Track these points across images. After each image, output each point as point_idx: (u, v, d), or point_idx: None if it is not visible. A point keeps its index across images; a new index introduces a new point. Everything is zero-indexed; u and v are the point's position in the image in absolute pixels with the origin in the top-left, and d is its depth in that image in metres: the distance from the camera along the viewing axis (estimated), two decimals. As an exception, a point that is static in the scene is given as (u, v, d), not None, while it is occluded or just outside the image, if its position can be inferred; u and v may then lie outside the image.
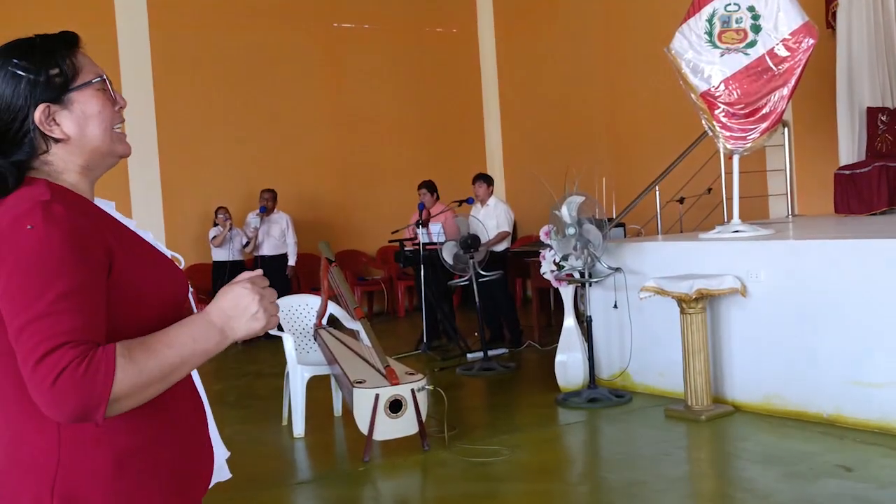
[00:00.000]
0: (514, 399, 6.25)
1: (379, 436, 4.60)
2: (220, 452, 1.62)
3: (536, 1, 11.26)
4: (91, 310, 1.30)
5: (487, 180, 8.35)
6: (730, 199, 6.26)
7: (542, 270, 6.10)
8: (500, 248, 8.11)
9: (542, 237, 6.00)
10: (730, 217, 6.22)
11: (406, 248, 8.12)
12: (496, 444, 4.90)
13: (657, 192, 7.09)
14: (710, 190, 7.69)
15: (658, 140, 9.04)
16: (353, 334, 5.61)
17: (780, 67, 5.51)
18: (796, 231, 6.20)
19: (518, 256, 8.58)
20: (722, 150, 5.98)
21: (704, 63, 5.70)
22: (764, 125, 5.58)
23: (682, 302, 5.19)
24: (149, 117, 9.65)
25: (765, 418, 5.12)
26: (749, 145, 5.68)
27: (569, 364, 6.05)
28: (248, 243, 9.35)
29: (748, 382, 5.32)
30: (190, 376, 1.53)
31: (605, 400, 5.70)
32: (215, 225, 9.35)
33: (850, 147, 7.33)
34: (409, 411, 4.61)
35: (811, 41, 5.45)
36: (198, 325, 1.36)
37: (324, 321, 5.72)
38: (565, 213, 5.68)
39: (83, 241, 1.33)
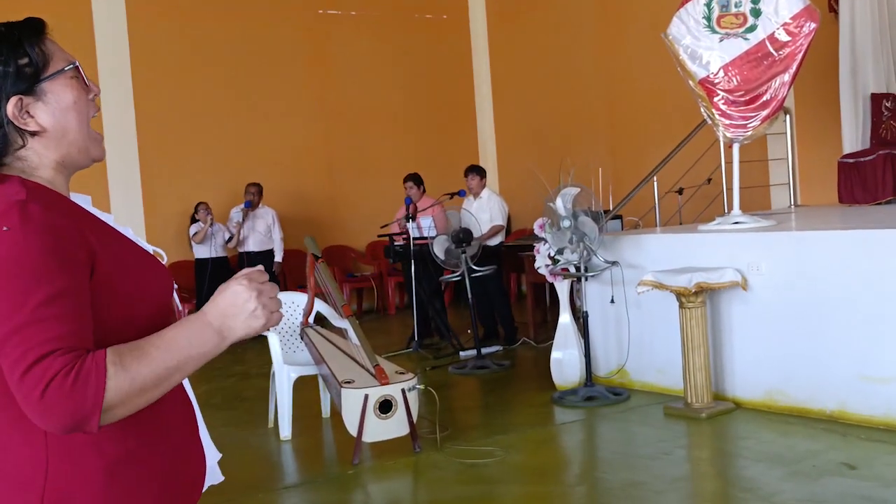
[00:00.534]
0: (509, 398, 6.21)
1: (368, 437, 4.57)
2: (212, 455, 1.58)
3: (530, -14, 11.16)
4: (77, 315, 1.26)
5: (480, 172, 8.27)
6: (730, 189, 6.28)
7: (536, 265, 6.07)
8: (494, 242, 8.03)
9: (537, 230, 5.96)
10: (730, 208, 6.23)
11: (396, 244, 7.99)
12: (490, 445, 4.87)
13: (655, 183, 7.10)
14: (709, 180, 7.68)
15: (656, 129, 9.02)
16: (341, 333, 5.58)
17: (780, 53, 5.52)
18: (799, 222, 6.19)
19: (512, 250, 8.51)
20: (722, 139, 6.01)
21: (703, 49, 5.71)
22: (765, 112, 5.58)
23: (682, 296, 5.16)
24: (128, 109, 9.49)
25: (767, 415, 5.11)
26: (749, 133, 5.69)
27: (565, 361, 6.02)
28: (230, 238, 9.21)
29: (749, 379, 5.29)
30: None
31: (603, 398, 5.67)
32: (196, 221, 9.18)
33: (853, 134, 7.31)
34: (400, 412, 4.56)
35: (813, 25, 5.45)
36: (193, 327, 1.31)
37: (310, 319, 5.66)
38: (560, 205, 5.65)
39: (63, 243, 1.29)
